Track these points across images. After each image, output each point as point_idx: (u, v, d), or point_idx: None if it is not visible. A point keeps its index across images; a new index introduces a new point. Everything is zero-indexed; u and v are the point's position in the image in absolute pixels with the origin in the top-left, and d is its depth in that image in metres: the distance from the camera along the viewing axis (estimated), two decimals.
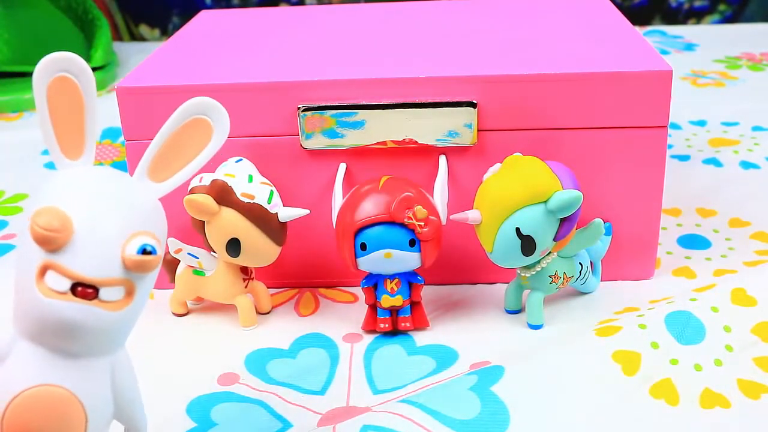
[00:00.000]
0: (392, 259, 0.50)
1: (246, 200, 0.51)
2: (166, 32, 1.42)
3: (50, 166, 0.82)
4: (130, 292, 0.32)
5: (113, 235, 0.32)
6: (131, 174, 0.55)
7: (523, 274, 0.52)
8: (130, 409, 0.37)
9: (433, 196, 0.52)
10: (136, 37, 1.44)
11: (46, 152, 0.85)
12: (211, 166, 0.53)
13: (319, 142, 0.54)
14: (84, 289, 0.31)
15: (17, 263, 0.32)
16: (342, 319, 0.55)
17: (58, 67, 0.33)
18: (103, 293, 0.32)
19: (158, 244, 0.32)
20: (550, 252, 0.51)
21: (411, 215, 0.49)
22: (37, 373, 0.32)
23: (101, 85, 1.04)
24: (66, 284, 0.31)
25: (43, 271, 0.31)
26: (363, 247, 0.49)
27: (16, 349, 0.32)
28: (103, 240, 0.32)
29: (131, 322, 0.34)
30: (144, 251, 0.32)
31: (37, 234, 0.30)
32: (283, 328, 0.55)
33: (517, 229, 0.48)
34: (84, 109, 0.33)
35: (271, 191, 0.52)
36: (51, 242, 0.31)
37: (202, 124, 0.35)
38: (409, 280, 0.52)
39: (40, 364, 0.32)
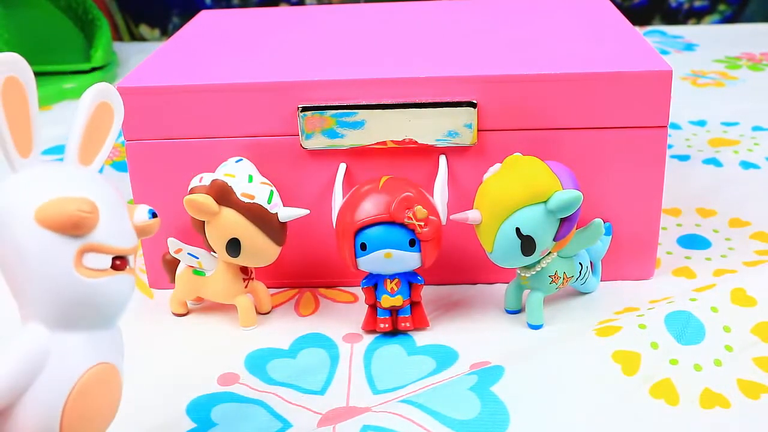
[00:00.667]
0: (392, 259, 0.50)
1: (246, 200, 0.51)
2: (166, 32, 1.42)
3: None
4: (134, 256, 0.36)
5: (118, 208, 0.35)
6: (132, 178, 0.56)
7: (523, 274, 0.52)
8: None
9: (433, 196, 0.52)
10: (136, 37, 1.44)
11: (45, 152, 0.85)
12: (211, 166, 0.54)
13: (319, 142, 0.54)
14: (117, 261, 0.34)
15: (29, 267, 0.32)
16: (342, 319, 0.55)
17: (7, 68, 0.33)
18: (130, 261, 0.35)
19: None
20: (550, 252, 0.51)
21: (411, 215, 0.49)
22: (84, 357, 0.34)
23: None
24: (107, 261, 0.34)
25: (80, 255, 0.33)
26: (363, 247, 0.49)
27: (55, 346, 0.33)
28: (117, 213, 0.35)
29: None
30: (153, 215, 0.36)
31: (75, 218, 0.32)
32: (283, 328, 0.55)
33: (517, 229, 0.48)
34: (29, 107, 0.34)
35: (271, 191, 0.52)
36: (88, 223, 0.32)
37: (105, 107, 0.37)
38: (409, 280, 0.52)
39: (83, 348, 0.34)
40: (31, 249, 0.32)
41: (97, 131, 0.37)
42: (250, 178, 0.52)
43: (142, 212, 0.36)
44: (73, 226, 0.32)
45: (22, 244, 0.32)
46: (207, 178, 0.52)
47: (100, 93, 0.37)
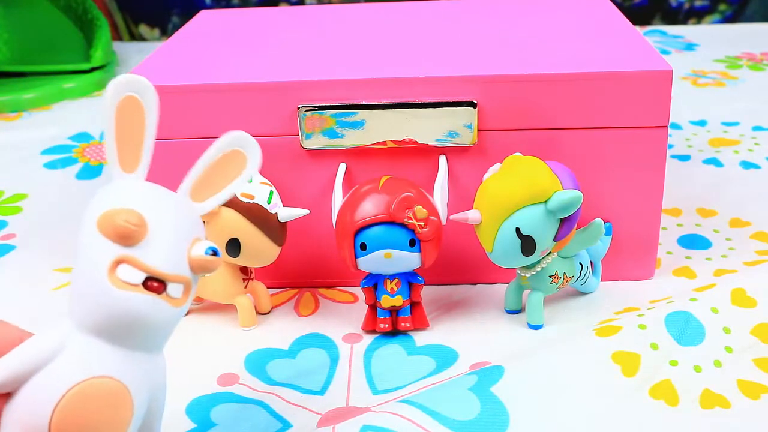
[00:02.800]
0: (392, 259, 0.49)
1: (246, 200, 0.51)
2: (165, 32, 1.42)
3: (50, 165, 0.82)
4: (187, 291, 0.35)
5: (180, 236, 0.35)
6: None
7: (523, 274, 0.52)
8: (154, 418, 0.38)
9: (433, 196, 0.52)
10: (135, 37, 1.44)
11: (45, 152, 0.85)
12: None
13: (319, 142, 0.54)
14: (155, 283, 0.34)
15: (78, 262, 0.34)
16: (342, 319, 0.55)
17: (129, 87, 0.35)
18: (170, 289, 0.34)
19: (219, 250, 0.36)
20: (550, 252, 0.51)
21: (411, 215, 0.49)
22: (93, 364, 0.33)
23: (101, 85, 1.04)
24: (140, 277, 0.33)
25: (116, 264, 0.33)
26: (363, 247, 0.49)
27: (72, 342, 0.33)
28: (172, 239, 0.35)
29: (179, 321, 0.36)
30: (212, 252, 0.35)
31: (119, 227, 0.33)
32: (283, 328, 0.55)
33: (517, 229, 0.48)
34: (145, 128, 0.36)
35: (271, 191, 0.52)
36: (131, 236, 0.33)
37: (238, 156, 0.38)
38: (409, 280, 0.52)
39: (96, 355, 0.33)
40: (82, 248, 0.34)
41: (218, 175, 0.38)
42: (250, 179, 0.52)
43: (200, 246, 0.35)
44: (118, 236, 0.33)
45: (81, 242, 0.34)
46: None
47: (233, 141, 0.38)
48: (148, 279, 0.33)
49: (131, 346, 0.34)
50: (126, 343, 0.34)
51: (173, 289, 0.34)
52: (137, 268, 0.33)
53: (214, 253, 0.35)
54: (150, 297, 0.33)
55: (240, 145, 0.38)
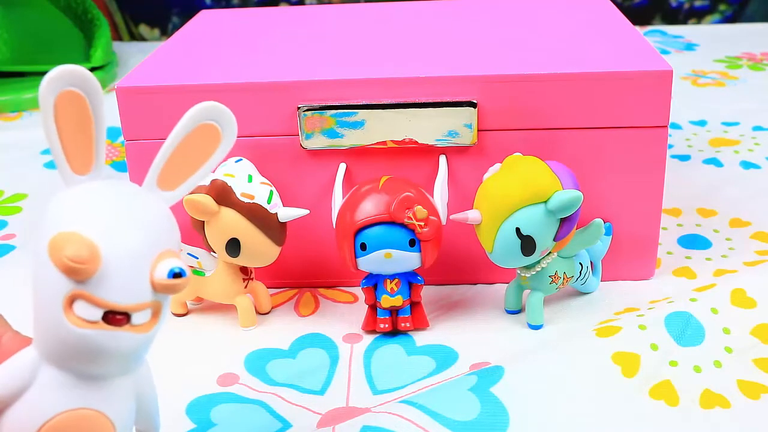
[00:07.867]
0: (392, 259, 0.49)
1: (246, 200, 0.50)
2: (165, 32, 1.42)
3: (50, 165, 0.82)
4: (156, 313, 0.32)
5: (140, 258, 0.31)
6: (131, 178, 0.56)
7: (523, 274, 0.52)
8: (150, 417, 0.37)
9: (433, 196, 0.52)
10: (135, 37, 1.44)
11: (45, 152, 0.85)
12: None
13: (319, 142, 0.54)
14: (116, 317, 0.31)
15: (35, 287, 0.31)
16: (342, 319, 0.55)
17: (65, 81, 0.31)
18: (134, 318, 0.31)
19: (185, 265, 0.32)
20: (550, 252, 0.51)
21: (411, 215, 0.48)
22: (66, 397, 0.32)
23: (101, 86, 1.04)
24: (98, 313, 0.30)
25: (71, 300, 0.30)
26: (363, 247, 0.49)
27: (41, 375, 0.32)
28: (131, 265, 0.31)
29: (155, 339, 0.33)
30: (175, 275, 0.31)
31: (66, 266, 0.29)
32: (283, 329, 0.55)
33: (517, 229, 0.48)
34: (92, 123, 0.32)
35: (271, 191, 0.52)
36: (81, 273, 0.29)
37: (210, 130, 0.34)
38: (409, 280, 0.52)
39: (67, 388, 0.32)
40: (37, 275, 0.31)
41: (190, 155, 0.34)
42: (250, 178, 0.52)
43: (162, 268, 0.31)
44: (66, 271, 0.29)
45: (36, 268, 0.31)
46: (207, 178, 0.51)
47: (202, 113, 0.34)
48: (108, 313, 0.30)
49: (104, 376, 0.32)
50: (98, 374, 0.32)
51: (138, 317, 0.31)
52: (93, 305, 0.30)
53: (178, 274, 0.31)
54: (113, 332, 0.31)
55: (211, 117, 0.34)
